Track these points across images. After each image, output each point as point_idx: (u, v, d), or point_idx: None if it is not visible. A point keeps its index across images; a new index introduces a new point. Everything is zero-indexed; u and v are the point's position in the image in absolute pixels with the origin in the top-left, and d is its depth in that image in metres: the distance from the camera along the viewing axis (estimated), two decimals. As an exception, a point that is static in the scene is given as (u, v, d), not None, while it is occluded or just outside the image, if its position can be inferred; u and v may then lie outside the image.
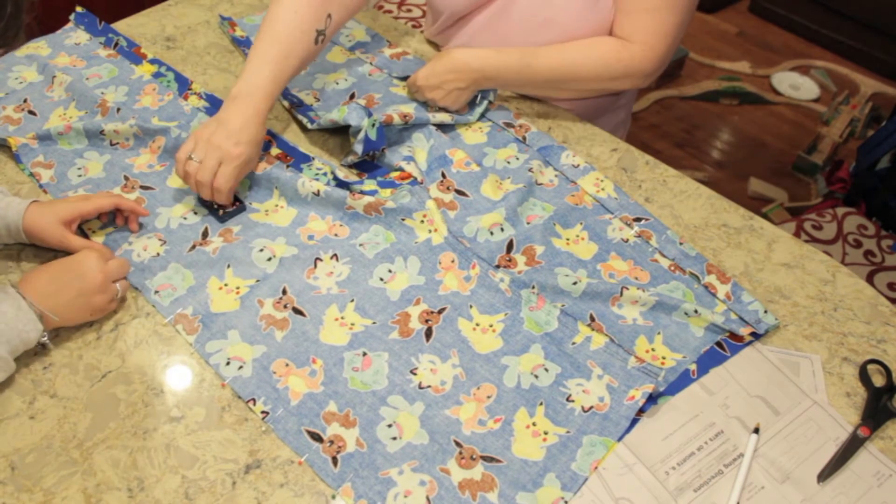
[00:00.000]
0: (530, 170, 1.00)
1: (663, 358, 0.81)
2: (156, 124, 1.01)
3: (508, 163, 1.02)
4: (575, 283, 0.85)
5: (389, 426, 0.74)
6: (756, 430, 0.74)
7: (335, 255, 0.89)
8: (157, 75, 1.14)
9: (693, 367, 0.80)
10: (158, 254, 0.88)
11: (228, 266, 0.87)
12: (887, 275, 1.51)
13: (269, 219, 0.94)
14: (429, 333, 0.82)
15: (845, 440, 0.74)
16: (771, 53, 2.83)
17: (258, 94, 0.92)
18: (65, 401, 0.75)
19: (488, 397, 0.77)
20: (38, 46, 1.19)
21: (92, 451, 0.71)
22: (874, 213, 1.81)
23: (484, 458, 0.72)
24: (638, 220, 0.95)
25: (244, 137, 0.89)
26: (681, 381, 0.79)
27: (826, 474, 0.72)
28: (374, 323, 0.83)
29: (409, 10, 1.89)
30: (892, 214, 1.77)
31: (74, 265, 0.78)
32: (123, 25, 1.25)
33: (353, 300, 0.85)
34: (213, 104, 1.09)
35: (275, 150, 1.02)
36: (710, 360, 0.81)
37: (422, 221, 0.92)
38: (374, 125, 0.98)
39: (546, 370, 0.79)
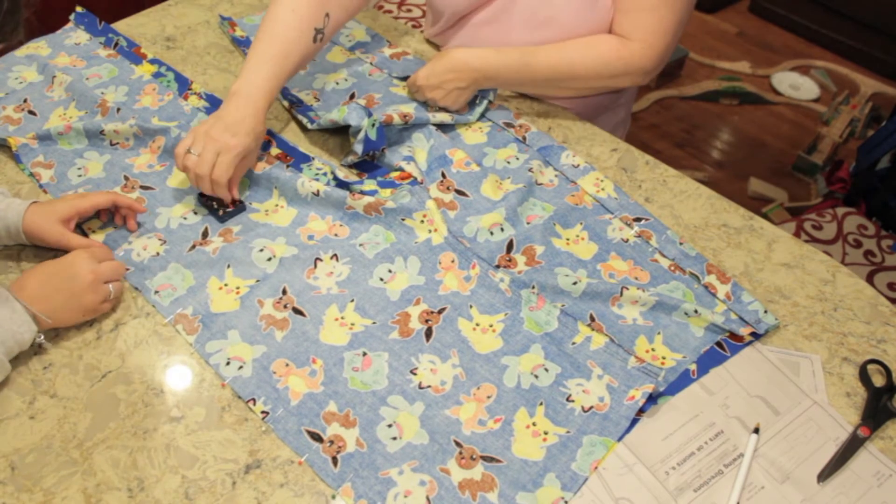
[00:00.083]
0: (530, 170, 1.00)
1: (663, 358, 0.81)
2: (156, 124, 1.01)
3: (508, 163, 1.02)
4: (575, 283, 0.85)
5: (389, 426, 0.74)
6: (756, 430, 0.74)
7: (335, 255, 0.89)
8: (157, 75, 1.14)
9: (693, 367, 0.80)
10: (158, 253, 0.88)
11: (228, 266, 0.87)
12: (887, 275, 1.51)
13: (269, 219, 0.94)
14: (429, 333, 0.82)
15: (845, 440, 0.74)
16: (771, 53, 2.83)
17: (257, 92, 0.92)
18: (65, 401, 0.75)
19: (488, 397, 0.77)
20: (38, 46, 1.19)
21: (92, 451, 0.71)
22: (874, 213, 1.81)
23: (484, 458, 0.72)
24: (638, 220, 0.95)
25: (242, 129, 0.89)
26: (681, 381, 0.79)
27: (826, 474, 0.72)
28: (374, 323, 0.83)
29: (409, 10, 1.89)
30: (892, 214, 1.77)
31: (65, 266, 0.78)
32: (123, 25, 1.25)
33: (353, 300, 0.85)
34: (213, 104, 1.09)
35: (275, 150, 1.02)
36: (710, 360, 0.81)
37: (422, 221, 0.92)
38: (374, 125, 0.98)
39: (546, 370, 0.79)
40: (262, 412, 0.75)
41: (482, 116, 1.09)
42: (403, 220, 0.92)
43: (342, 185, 0.96)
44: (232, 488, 0.69)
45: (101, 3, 1.50)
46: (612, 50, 1.01)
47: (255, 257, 0.88)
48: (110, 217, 0.91)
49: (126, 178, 0.98)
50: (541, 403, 0.76)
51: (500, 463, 0.72)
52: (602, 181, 0.99)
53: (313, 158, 1.01)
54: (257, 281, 0.86)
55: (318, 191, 0.93)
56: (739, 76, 2.70)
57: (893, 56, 2.66)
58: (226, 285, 0.85)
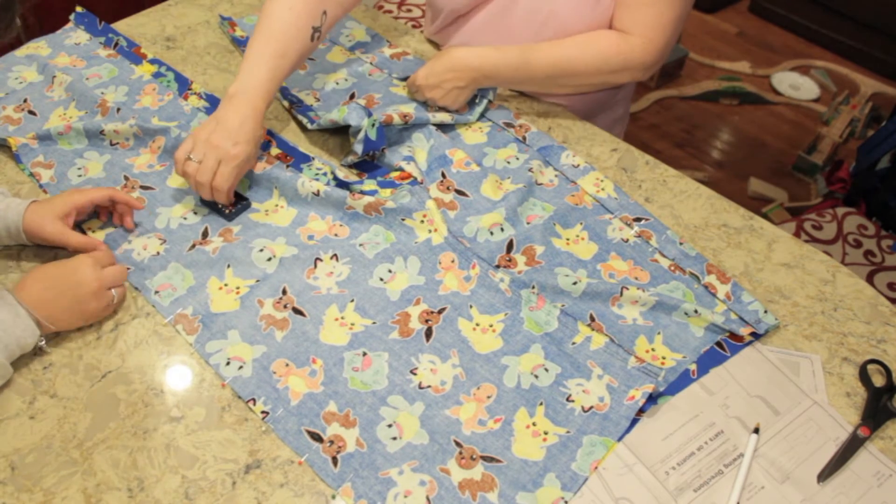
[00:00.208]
0: (530, 170, 1.00)
1: (663, 358, 0.81)
2: (156, 124, 1.01)
3: (508, 163, 1.02)
4: (575, 283, 0.85)
5: (389, 426, 0.74)
6: (756, 430, 0.74)
7: (335, 255, 0.89)
8: (157, 75, 1.14)
9: (693, 367, 0.80)
10: (158, 253, 0.88)
11: (228, 266, 0.87)
12: (887, 275, 1.51)
13: (269, 219, 0.94)
14: (429, 333, 0.82)
15: (845, 440, 0.74)
16: (771, 53, 2.83)
17: (255, 92, 0.92)
18: (65, 401, 0.75)
19: (488, 397, 0.77)
20: (38, 46, 1.19)
21: (92, 451, 0.71)
22: (874, 213, 1.81)
23: (484, 458, 0.72)
24: (638, 220, 0.95)
25: (242, 136, 0.89)
26: (681, 381, 0.79)
27: (826, 474, 0.72)
28: (374, 323, 0.83)
29: (409, 10, 1.89)
30: (892, 214, 1.77)
31: (70, 272, 0.77)
32: (123, 25, 1.25)
33: (353, 300, 0.85)
34: (213, 104, 1.09)
35: (275, 150, 1.02)
36: (710, 360, 0.81)
37: (422, 221, 0.92)
38: (374, 125, 0.98)
39: (546, 370, 0.79)
40: (262, 412, 0.75)
41: (482, 116, 1.09)
42: (403, 220, 0.92)
43: (342, 185, 0.96)
44: (232, 488, 0.69)
45: (101, 3, 1.50)
46: (611, 45, 1.01)
47: (255, 257, 0.88)
48: (109, 217, 0.91)
49: (126, 178, 0.98)
50: (541, 403, 0.76)
51: (500, 463, 0.72)
52: (602, 181, 0.99)
53: (313, 158, 1.01)
54: (257, 281, 0.86)
55: (318, 191, 0.93)
56: (739, 76, 2.70)
57: (893, 56, 2.66)
58: (226, 285, 0.85)
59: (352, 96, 1.12)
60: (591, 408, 0.76)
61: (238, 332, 0.81)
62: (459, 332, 0.82)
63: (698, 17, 2.99)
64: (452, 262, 0.89)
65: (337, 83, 1.15)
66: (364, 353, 0.80)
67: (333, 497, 0.69)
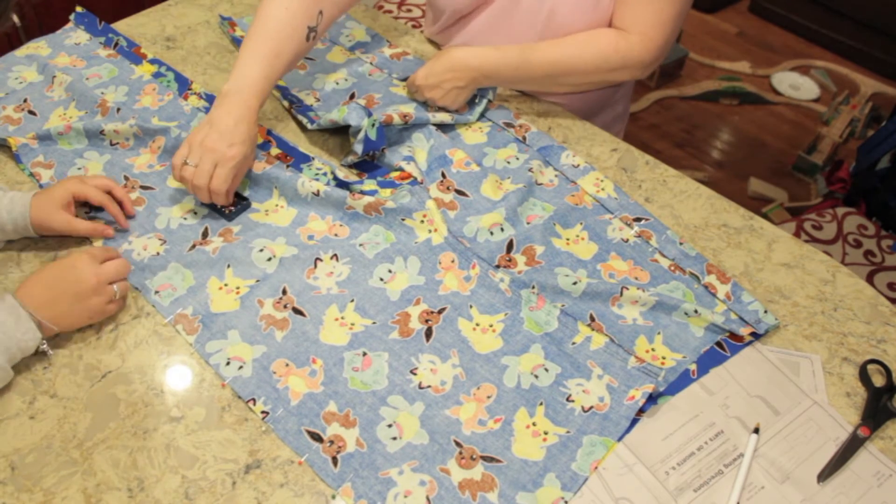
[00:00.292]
0: (530, 170, 1.00)
1: (663, 358, 0.81)
2: (156, 124, 1.01)
3: (508, 163, 1.02)
4: (575, 283, 0.85)
5: (389, 426, 0.74)
6: (756, 430, 0.74)
7: (335, 255, 0.89)
8: (157, 75, 1.14)
9: (693, 367, 0.80)
10: (158, 253, 0.88)
11: (228, 266, 0.87)
12: (887, 275, 1.51)
13: (269, 219, 0.94)
14: (429, 333, 0.82)
15: (845, 440, 0.74)
16: (771, 53, 2.83)
17: (249, 91, 0.92)
18: (65, 401, 0.75)
19: (488, 397, 0.77)
20: (38, 46, 1.19)
21: (92, 451, 0.71)
22: (874, 213, 1.81)
23: (484, 458, 0.72)
24: (638, 220, 0.95)
25: (237, 137, 0.89)
26: (681, 381, 0.79)
27: (826, 474, 0.72)
28: (374, 323, 0.83)
29: (409, 10, 1.89)
30: (892, 214, 1.77)
31: (68, 270, 0.77)
32: (123, 25, 1.25)
33: (353, 300, 0.85)
34: (213, 104, 1.09)
35: (275, 150, 1.02)
36: (710, 360, 0.81)
37: (422, 221, 0.92)
38: (374, 125, 0.98)
39: (546, 370, 0.79)
40: (262, 412, 0.75)
41: (482, 116, 1.09)
42: (403, 220, 0.92)
43: (342, 185, 0.96)
44: (232, 488, 0.69)
45: (101, 3, 1.51)
46: (610, 43, 1.02)
47: (255, 257, 0.88)
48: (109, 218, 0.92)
49: (126, 178, 0.98)
50: (541, 403, 0.76)
51: (500, 463, 0.72)
52: (602, 181, 0.99)
53: (313, 158, 1.01)
54: (257, 281, 0.86)
55: (318, 191, 0.93)
56: (739, 76, 2.70)
57: (893, 56, 2.66)
58: (226, 285, 0.85)
59: (352, 96, 1.12)
60: (591, 408, 0.76)
61: (238, 332, 0.81)
62: (459, 332, 0.82)
63: (698, 17, 2.99)
64: (452, 262, 0.89)
65: (337, 83, 1.15)
66: (364, 353, 0.80)
67: (333, 497, 0.69)
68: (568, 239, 0.93)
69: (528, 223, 0.94)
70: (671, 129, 2.49)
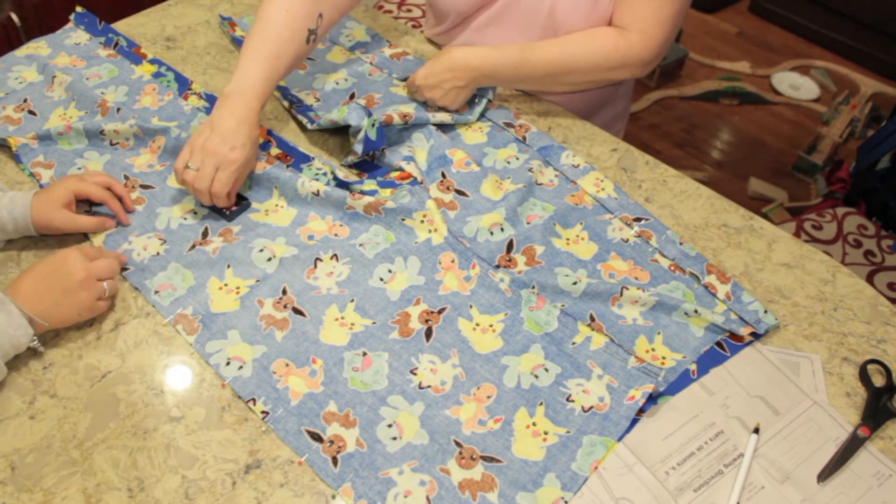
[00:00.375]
0: (530, 170, 1.00)
1: (663, 358, 0.81)
2: (156, 124, 1.01)
3: (508, 163, 1.02)
4: (575, 283, 0.85)
5: (389, 426, 0.74)
6: (756, 430, 0.74)
7: (335, 255, 0.89)
8: (157, 75, 1.14)
9: (693, 367, 0.80)
10: (158, 253, 0.88)
11: (228, 266, 0.87)
12: (887, 275, 1.51)
13: (269, 219, 0.94)
14: (429, 333, 0.82)
15: (845, 440, 0.74)
16: (771, 53, 2.83)
17: (251, 92, 0.92)
18: (65, 401, 0.75)
19: (488, 397, 0.77)
20: (38, 46, 1.19)
21: (92, 451, 0.71)
22: (874, 213, 1.81)
23: (484, 458, 0.72)
24: (638, 220, 0.95)
25: (239, 140, 0.89)
26: (681, 381, 0.79)
27: (826, 474, 0.72)
28: (374, 323, 0.83)
29: (409, 10, 1.89)
30: (892, 214, 1.77)
31: (57, 266, 0.77)
32: (123, 25, 1.25)
33: (353, 300, 0.85)
34: (213, 104, 1.08)
35: (275, 150, 1.02)
36: (710, 360, 0.81)
37: (422, 221, 0.92)
38: (374, 125, 0.98)
39: (546, 370, 0.79)
40: (262, 412, 0.75)
41: (482, 116, 1.09)
42: (403, 220, 0.92)
43: (342, 185, 0.96)
44: (232, 488, 0.69)
45: (101, 3, 1.51)
46: (610, 42, 1.02)
47: (255, 257, 0.88)
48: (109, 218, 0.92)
49: (126, 178, 0.98)
50: (541, 403, 0.76)
51: (500, 463, 0.72)
52: (602, 181, 0.99)
53: (313, 158, 1.01)
54: (257, 281, 0.86)
55: (318, 191, 0.93)
56: (739, 76, 2.70)
57: (893, 56, 2.66)
58: (226, 285, 0.85)
59: (352, 96, 1.12)
60: (591, 408, 0.76)
61: (238, 332, 0.81)
62: (459, 332, 0.82)
63: (698, 17, 2.99)
64: (452, 262, 0.89)
65: (337, 83, 1.15)
66: (364, 353, 0.80)
67: (333, 497, 0.69)
68: (568, 239, 0.93)
69: (528, 223, 0.94)
70: (671, 129, 2.49)
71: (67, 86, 1.09)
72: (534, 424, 0.75)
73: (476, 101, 1.09)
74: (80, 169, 0.98)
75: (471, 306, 0.85)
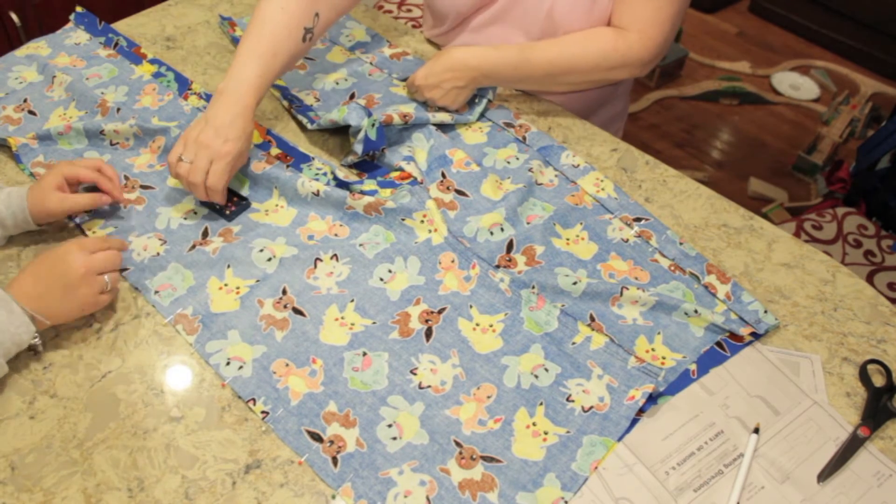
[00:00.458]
0: (530, 170, 1.00)
1: (663, 358, 0.81)
2: (156, 124, 1.01)
3: (508, 163, 1.02)
4: (575, 283, 0.85)
5: (389, 426, 0.74)
6: (756, 430, 0.74)
7: (335, 255, 0.89)
8: (157, 75, 1.14)
9: (693, 367, 0.80)
10: (158, 253, 0.88)
11: (228, 266, 0.87)
12: (887, 275, 1.51)
13: (269, 219, 0.94)
14: (429, 333, 0.82)
15: (845, 440, 0.74)
16: (771, 53, 2.83)
17: (245, 89, 0.91)
18: (65, 401, 0.75)
19: (488, 397, 0.77)
20: (38, 46, 1.19)
21: (92, 451, 0.71)
22: (874, 213, 1.81)
23: (484, 458, 0.72)
24: (638, 220, 0.95)
25: (232, 133, 0.89)
26: (681, 381, 0.79)
27: (826, 474, 0.72)
28: (374, 323, 0.83)
29: (409, 10, 1.89)
30: (892, 214, 1.77)
31: (57, 262, 0.76)
32: (123, 25, 1.25)
33: (353, 300, 0.85)
34: (213, 104, 1.09)
35: (275, 150, 1.02)
36: (710, 360, 0.81)
37: (422, 221, 0.92)
38: (373, 125, 0.98)
39: (546, 370, 0.79)
40: (262, 412, 0.75)
41: (482, 116, 1.09)
42: (403, 220, 0.92)
43: (342, 185, 0.96)
44: (232, 488, 0.69)
45: (101, 3, 1.51)
46: (609, 42, 1.02)
47: (255, 257, 0.88)
48: (109, 216, 0.91)
49: (126, 178, 0.98)
50: (541, 403, 0.76)
51: (500, 463, 0.72)
52: (602, 181, 0.99)
53: (313, 158, 1.01)
54: (257, 281, 0.86)
55: (318, 191, 0.93)
56: (739, 76, 2.70)
57: (893, 56, 2.66)
58: (226, 285, 0.85)
59: (352, 96, 1.12)
60: (591, 408, 0.76)
61: (238, 332, 0.81)
62: (459, 332, 0.82)
63: (698, 17, 2.99)
64: (452, 262, 0.89)
65: (337, 83, 1.15)
66: (364, 353, 0.80)
67: (333, 497, 0.69)
68: (568, 239, 0.93)
69: (528, 223, 0.94)
70: (671, 129, 2.49)
71: (67, 86, 1.09)
72: (534, 424, 0.75)
73: (476, 101, 1.09)
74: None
75: (471, 306, 0.85)
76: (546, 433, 0.74)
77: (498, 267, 0.88)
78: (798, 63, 2.78)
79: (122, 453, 0.71)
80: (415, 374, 0.78)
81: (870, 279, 1.51)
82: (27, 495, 0.68)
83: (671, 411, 0.76)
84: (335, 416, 0.75)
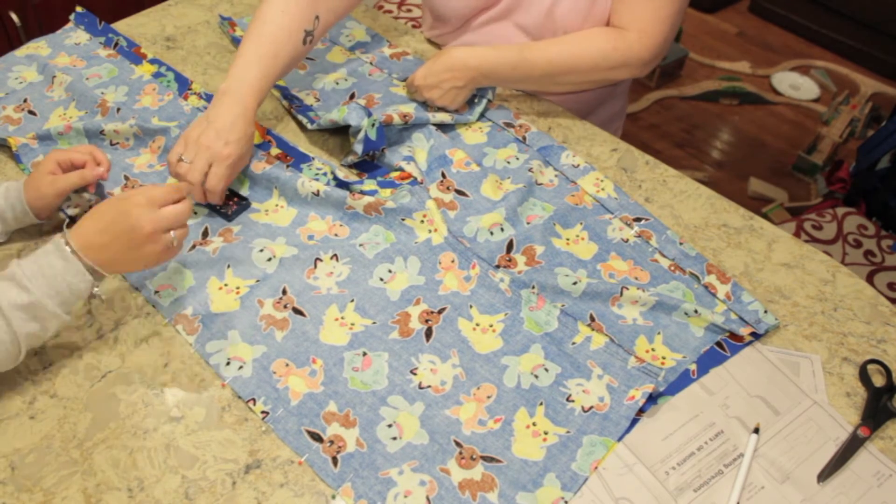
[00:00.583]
0: (530, 170, 1.00)
1: (663, 358, 0.81)
2: (156, 124, 1.01)
3: (508, 163, 1.02)
4: (575, 283, 0.85)
5: (389, 426, 0.74)
6: (756, 430, 0.74)
7: (335, 255, 0.89)
8: (157, 75, 1.14)
9: (693, 367, 0.80)
10: (158, 254, 0.88)
11: (228, 266, 0.87)
12: (887, 275, 1.51)
13: (269, 219, 0.94)
14: (429, 333, 0.82)
15: (845, 440, 0.74)
16: (771, 53, 2.83)
17: (247, 90, 0.92)
18: (65, 401, 0.75)
19: (488, 397, 0.77)
20: (38, 46, 1.19)
21: (92, 451, 0.71)
22: (874, 213, 1.81)
23: (484, 458, 0.72)
24: (638, 220, 0.95)
25: (233, 136, 0.89)
26: (681, 381, 0.79)
27: (826, 474, 0.72)
28: (374, 323, 0.83)
29: (409, 10, 1.89)
30: (892, 214, 1.77)
31: (123, 217, 0.73)
32: (123, 25, 1.25)
33: (353, 300, 0.85)
34: (213, 104, 1.09)
35: (275, 150, 1.02)
36: (710, 360, 0.81)
37: (422, 221, 0.92)
38: (373, 125, 0.98)
39: (546, 370, 0.79)
40: (262, 412, 0.75)
41: (482, 116, 1.09)
42: (403, 220, 0.92)
43: (342, 185, 0.96)
44: (232, 488, 0.69)
45: (101, 3, 1.51)
46: (608, 41, 1.02)
47: (255, 257, 0.88)
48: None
49: (126, 178, 0.98)
50: (541, 403, 0.76)
51: (500, 463, 0.72)
52: (602, 181, 0.99)
53: (313, 158, 1.01)
54: (257, 281, 0.86)
55: (318, 191, 0.93)
56: (739, 76, 2.70)
57: (893, 56, 2.66)
58: (226, 285, 0.85)
59: (352, 96, 1.12)
60: (591, 408, 0.76)
61: (238, 332, 0.81)
62: (459, 332, 0.82)
63: (698, 17, 2.99)
64: (452, 262, 0.89)
65: (337, 83, 1.15)
66: (364, 353, 0.80)
67: (333, 497, 0.69)
68: (568, 239, 0.93)
69: (528, 223, 0.94)
70: (671, 129, 2.49)
71: (67, 86, 1.09)
72: (534, 424, 0.75)
73: (476, 101, 1.09)
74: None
75: (471, 306, 0.85)
76: (546, 433, 0.74)
77: (498, 267, 0.88)
78: (798, 63, 2.78)
79: (122, 453, 0.71)
80: (415, 374, 0.78)
81: (870, 279, 1.51)
82: (27, 495, 0.68)
83: (671, 411, 0.76)
84: (335, 416, 0.75)
